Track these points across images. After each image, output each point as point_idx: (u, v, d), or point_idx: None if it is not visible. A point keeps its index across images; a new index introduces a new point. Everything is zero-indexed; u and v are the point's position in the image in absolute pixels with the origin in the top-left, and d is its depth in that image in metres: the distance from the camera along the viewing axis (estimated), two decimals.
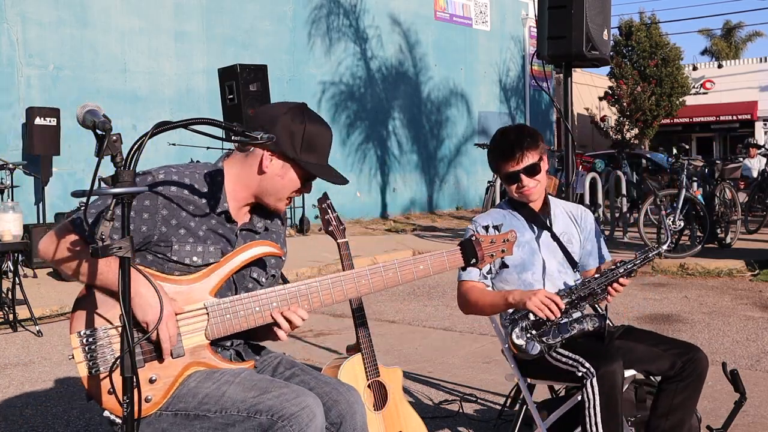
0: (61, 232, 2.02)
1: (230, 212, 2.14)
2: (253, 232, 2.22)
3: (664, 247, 2.83)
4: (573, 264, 2.91)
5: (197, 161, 2.34)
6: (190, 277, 2.06)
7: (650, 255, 2.76)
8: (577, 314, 2.69)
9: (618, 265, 2.73)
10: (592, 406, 2.48)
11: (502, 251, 2.27)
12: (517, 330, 2.65)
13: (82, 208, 1.91)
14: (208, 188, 2.13)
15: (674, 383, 2.66)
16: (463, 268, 2.31)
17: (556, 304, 2.59)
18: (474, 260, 2.24)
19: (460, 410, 3.83)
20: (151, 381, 1.99)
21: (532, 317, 2.64)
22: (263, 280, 2.23)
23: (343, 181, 2.17)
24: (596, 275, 2.74)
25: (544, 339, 2.62)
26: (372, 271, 2.16)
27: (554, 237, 2.89)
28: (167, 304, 1.96)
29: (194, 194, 2.10)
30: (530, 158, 2.79)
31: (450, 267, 2.25)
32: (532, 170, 2.79)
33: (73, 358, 1.97)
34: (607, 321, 2.65)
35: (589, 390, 2.50)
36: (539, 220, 2.89)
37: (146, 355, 1.98)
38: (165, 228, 2.05)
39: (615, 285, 2.70)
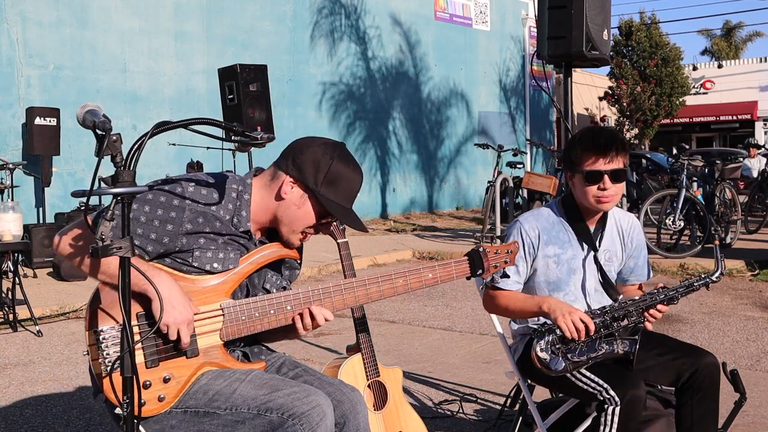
0: (78, 232, 2.00)
1: (252, 232, 2.15)
2: None
3: (714, 277, 2.68)
4: (609, 285, 2.76)
5: (197, 162, 2.34)
6: (207, 277, 2.07)
7: (696, 284, 2.63)
8: (608, 334, 2.55)
9: (659, 290, 2.62)
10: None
11: (505, 262, 2.31)
12: (542, 343, 2.53)
13: (83, 208, 1.91)
14: (234, 206, 2.12)
15: (689, 396, 2.59)
16: (468, 278, 2.32)
17: (588, 329, 2.49)
18: (480, 271, 2.28)
19: (460, 410, 3.83)
20: (166, 380, 1.99)
21: (559, 332, 2.52)
22: (274, 290, 2.24)
23: (362, 227, 2.14)
24: (635, 297, 2.62)
25: (569, 356, 2.52)
26: (383, 279, 2.21)
27: (596, 259, 2.74)
28: (188, 307, 1.97)
29: (220, 211, 2.09)
30: (621, 162, 2.59)
31: (457, 276, 2.28)
32: (619, 175, 2.59)
33: (88, 354, 1.97)
34: (637, 346, 2.50)
35: (609, 417, 2.44)
36: (590, 239, 2.71)
37: (161, 354, 1.99)
38: (185, 239, 2.05)
39: (652, 311, 2.58)
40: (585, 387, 2.53)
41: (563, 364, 2.51)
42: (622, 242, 2.81)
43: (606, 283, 2.74)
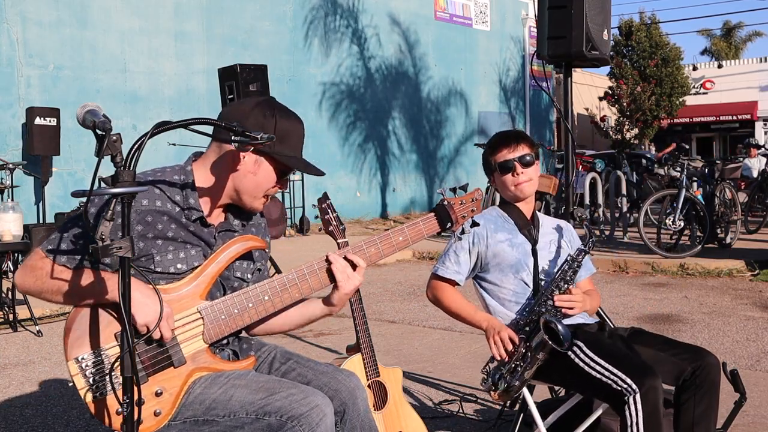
0: (36, 266, 1.99)
1: (205, 217, 2.11)
2: (231, 231, 2.19)
3: (589, 244, 2.78)
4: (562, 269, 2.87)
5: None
6: (178, 284, 2.04)
7: (575, 259, 2.74)
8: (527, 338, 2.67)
9: (554, 277, 2.75)
10: (635, 423, 2.40)
11: (472, 210, 2.30)
12: (490, 380, 2.72)
13: (83, 208, 1.91)
14: (181, 196, 2.08)
15: (690, 394, 2.60)
16: (439, 233, 2.31)
17: (513, 342, 2.66)
18: (449, 224, 2.26)
19: (460, 410, 3.83)
20: (157, 394, 1.98)
21: (494, 360, 2.73)
22: (248, 276, 2.22)
23: (319, 172, 2.15)
24: (540, 299, 2.74)
25: (505, 375, 2.64)
26: (356, 251, 2.19)
27: (542, 244, 2.90)
28: (165, 303, 1.95)
29: (167, 204, 2.06)
30: (525, 149, 2.87)
31: (427, 234, 2.26)
32: (527, 161, 2.85)
33: (73, 384, 1.95)
34: (559, 325, 2.56)
35: (632, 408, 2.40)
36: (528, 230, 2.89)
37: (148, 370, 1.97)
38: (142, 243, 2.02)
39: (560, 297, 2.69)
40: (596, 375, 2.51)
41: (516, 383, 2.64)
42: (563, 238, 2.98)
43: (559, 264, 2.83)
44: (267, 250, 2.30)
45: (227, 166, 2.09)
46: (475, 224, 2.34)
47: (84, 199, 1.81)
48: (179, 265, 2.05)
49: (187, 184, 2.10)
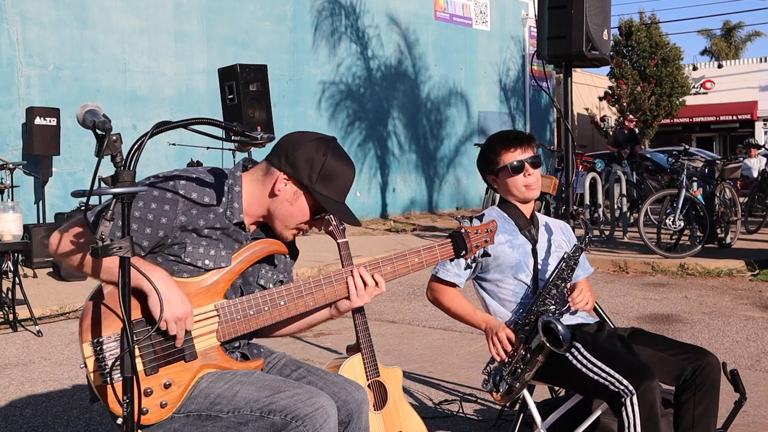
0: (76, 231, 2.00)
1: (245, 224, 2.15)
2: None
3: (586, 241, 2.80)
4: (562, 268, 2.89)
5: (197, 161, 2.34)
6: (198, 279, 2.06)
7: (572, 257, 2.75)
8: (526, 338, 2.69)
9: (553, 275, 2.77)
10: (632, 425, 2.40)
11: (486, 241, 2.33)
12: (490, 381, 2.73)
13: (83, 208, 1.91)
14: (227, 198, 2.12)
15: (690, 394, 2.60)
16: (451, 259, 2.35)
17: (510, 342, 2.67)
18: (464, 252, 2.30)
19: (460, 410, 3.83)
20: (166, 386, 1.98)
21: (494, 361, 2.75)
22: (270, 285, 2.23)
23: (355, 221, 2.16)
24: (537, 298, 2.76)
25: (506, 377, 2.65)
26: (372, 267, 2.22)
27: (542, 244, 2.91)
28: (186, 301, 1.97)
29: (213, 202, 2.10)
30: (532, 151, 2.89)
31: (441, 259, 2.31)
32: (536, 162, 2.87)
33: (85, 367, 1.95)
34: (558, 323, 2.57)
35: (629, 409, 2.40)
36: (528, 230, 2.90)
37: (160, 361, 1.98)
38: (180, 232, 2.05)
39: (575, 297, 2.73)
40: (594, 377, 2.51)
41: (516, 385, 2.64)
42: (563, 235, 3.01)
43: (560, 267, 2.84)
44: (285, 257, 2.31)
45: (270, 187, 2.12)
46: (486, 255, 2.39)
47: (84, 199, 1.81)
48: (207, 261, 2.07)
49: (233, 188, 2.13)
